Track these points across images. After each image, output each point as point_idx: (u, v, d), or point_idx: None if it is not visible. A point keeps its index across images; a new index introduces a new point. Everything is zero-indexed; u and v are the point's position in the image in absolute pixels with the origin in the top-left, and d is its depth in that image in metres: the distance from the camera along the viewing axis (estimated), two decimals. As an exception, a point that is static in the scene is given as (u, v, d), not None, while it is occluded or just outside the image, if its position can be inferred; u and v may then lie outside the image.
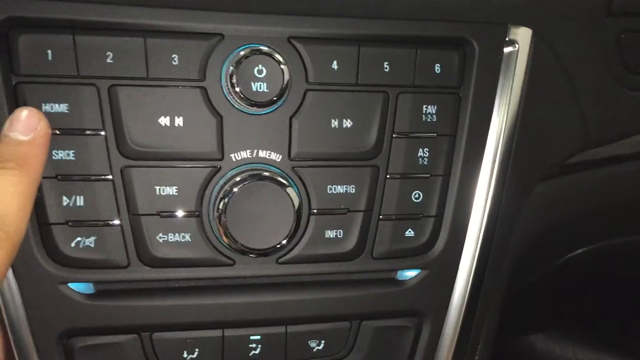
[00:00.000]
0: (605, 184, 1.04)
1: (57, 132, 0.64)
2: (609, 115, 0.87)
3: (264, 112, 0.68)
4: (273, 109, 0.68)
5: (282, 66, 0.66)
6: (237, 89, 0.65)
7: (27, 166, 0.58)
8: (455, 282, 0.79)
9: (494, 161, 0.76)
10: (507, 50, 0.74)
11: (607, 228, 1.19)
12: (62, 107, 0.63)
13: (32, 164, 0.59)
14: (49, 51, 0.62)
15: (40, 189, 0.64)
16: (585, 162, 0.97)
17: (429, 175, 0.74)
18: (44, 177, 0.64)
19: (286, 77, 0.67)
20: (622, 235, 1.17)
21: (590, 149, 0.90)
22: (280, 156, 0.69)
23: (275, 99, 0.66)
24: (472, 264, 0.78)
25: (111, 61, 0.64)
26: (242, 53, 0.66)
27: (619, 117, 0.89)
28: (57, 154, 0.64)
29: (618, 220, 1.12)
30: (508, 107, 0.75)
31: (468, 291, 0.79)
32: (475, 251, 0.77)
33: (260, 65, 0.66)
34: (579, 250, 1.14)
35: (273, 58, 0.66)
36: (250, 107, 0.67)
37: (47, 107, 0.63)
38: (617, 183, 1.05)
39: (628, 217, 1.12)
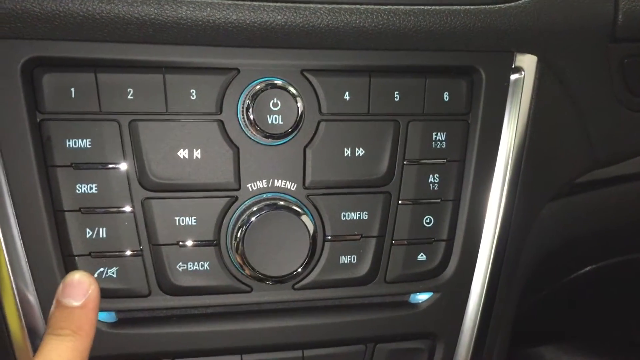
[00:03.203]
0: (614, 203, 1.05)
1: (80, 166, 0.66)
2: (615, 137, 0.89)
3: (279, 143, 0.70)
4: (288, 139, 0.70)
5: (296, 98, 0.69)
6: (253, 122, 0.68)
7: (81, 332, 0.61)
8: (468, 304, 0.80)
9: (503, 184, 0.78)
10: (513, 77, 0.76)
11: (615, 245, 1.20)
12: (85, 143, 0.66)
13: (85, 328, 0.62)
14: (72, 89, 0.65)
15: (64, 221, 0.67)
16: (593, 182, 0.99)
17: (439, 200, 0.76)
18: (67, 211, 0.66)
19: (300, 109, 0.69)
20: (630, 252, 1.18)
21: (596, 169, 0.92)
22: (295, 185, 0.71)
23: (290, 130, 0.69)
24: (484, 286, 0.80)
25: (132, 97, 0.66)
26: (257, 87, 0.68)
27: (624, 139, 0.91)
28: (80, 187, 0.66)
29: (626, 238, 1.13)
30: (515, 132, 0.77)
31: (480, 312, 0.81)
32: (487, 273, 0.79)
33: (275, 99, 0.68)
34: (588, 268, 1.16)
35: (287, 91, 0.68)
36: (266, 139, 0.69)
37: (70, 143, 0.66)
38: (625, 201, 1.06)
39: (636, 234, 1.13)
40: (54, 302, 0.64)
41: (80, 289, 0.63)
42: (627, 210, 1.07)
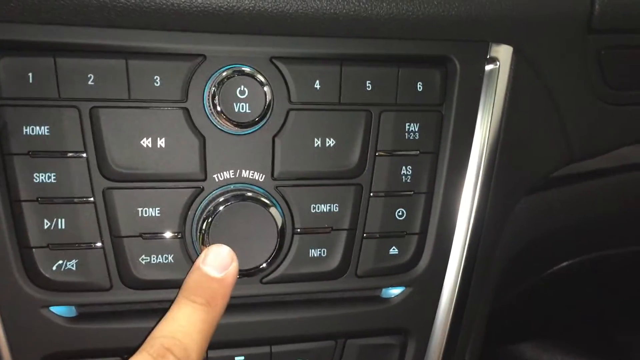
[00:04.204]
0: (590, 197, 1.05)
1: (38, 154, 0.64)
2: (591, 130, 0.88)
3: (246, 132, 0.68)
4: (256, 129, 0.68)
5: (264, 87, 0.67)
6: (220, 110, 0.66)
7: (215, 305, 0.61)
8: (440, 298, 0.79)
9: (477, 177, 0.76)
10: (488, 67, 0.75)
11: (591, 240, 1.20)
12: (43, 130, 0.63)
13: (219, 304, 0.62)
14: (30, 74, 0.62)
15: (20, 212, 0.64)
16: (569, 176, 0.98)
17: (412, 192, 0.74)
18: (24, 201, 0.64)
19: (268, 97, 0.67)
20: (606, 248, 1.18)
21: (573, 163, 0.92)
22: (264, 176, 0.70)
23: (257, 119, 0.67)
24: (457, 280, 0.79)
25: (92, 83, 0.64)
26: (224, 74, 0.66)
27: (600, 133, 0.90)
28: (38, 176, 0.64)
29: (601, 234, 1.13)
30: (490, 123, 0.76)
31: (453, 307, 0.79)
32: (460, 267, 0.78)
33: (242, 86, 0.66)
34: (564, 263, 1.15)
35: (255, 79, 0.66)
36: (233, 128, 0.67)
37: (28, 130, 0.63)
38: (601, 196, 1.06)
39: (612, 230, 1.13)
40: (193, 266, 0.64)
41: (223, 261, 0.63)
42: (603, 206, 1.07)
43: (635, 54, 0.87)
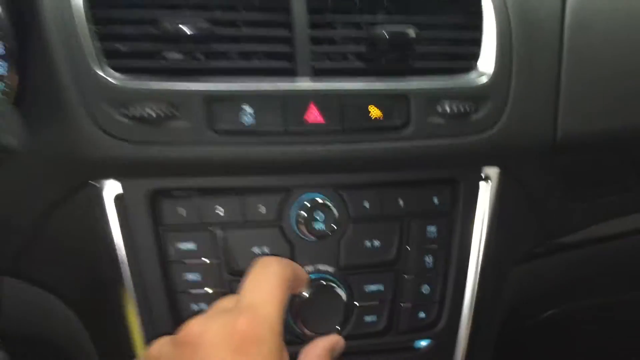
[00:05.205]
0: (573, 263, 1.35)
1: (188, 262, 0.95)
2: (563, 219, 1.18)
3: (321, 240, 0.99)
4: (327, 237, 0.98)
5: (332, 209, 0.97)
6: (303, 227, 0.96)
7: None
8: (457, 346, 1.08)
9: (477, 259, 1.04)
10: (482, 183, 1.02)
11: (578, 292, 1.49)
12: (191, 245, 0.95)
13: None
14: (183, 209, 0.94)
15: (175, 301, 0.95)
16: (552, 248, 1.29)
17: (433, 274, 1.05)
18: (179, 292, 0.95)
19: (336, 216, 0.97)
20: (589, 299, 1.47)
21: (549, 241, 1.23)
22: (333, 268, 1.00)
23: (329, 232, 0.98)
24: (467, 333, 1.08)
25: (221, 213, 0.95)
26: (305, 202, 0.98)
27: (571, 220, 1.20)
28: (186, 275, 0.94)
29: (583, 289, 1.42)
30: (483, 221, 1.05)
31: (466, 352, 1.10)
32: (469, 324, 1.07)
33: (318, 210, 0.96)
34: (550, 312, 1.45)
35: (326, 205, 0.97)
36: (313, 237, 0.96)
37: (180, 245, 0.94)
38: (581, 263, 1.36)
39: (592, 286, 1.42)
40: None
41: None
42: (584, 269, 1.37)
43: (592, 166, 1.14)
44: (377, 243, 0.99)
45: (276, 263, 0.67)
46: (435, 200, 1.01)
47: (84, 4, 0.84)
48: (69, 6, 0.84)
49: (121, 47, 0.85)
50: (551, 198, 1.13)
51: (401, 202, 0.99)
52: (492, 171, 1.03)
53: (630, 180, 1.18)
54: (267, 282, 0.65)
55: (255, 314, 0.60)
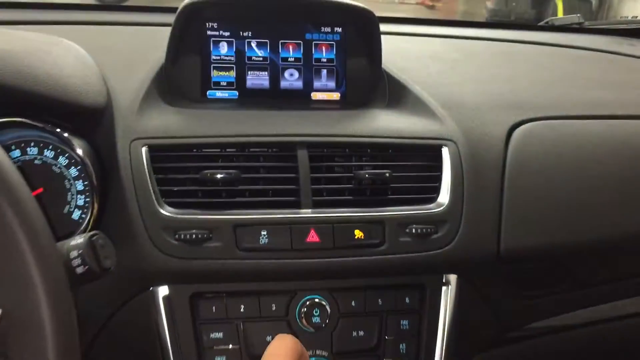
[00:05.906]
0: (539, 351, 1.61)
1: (216, 347, 1.24)
2: (516, 315, 1.44)
3: (318, 331, 1.27)
4: (323, 329, 1.25)
5: (327, 307, 1.25)
6: (304, 320, 1.25)
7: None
8: None
9: (442, 349, 1.30)
10: (444, 287, 1.21)
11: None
12: (219, 335, 1.23)
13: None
14: (213, 307, 1.24)
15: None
16: (511, 339, 1.57)
17: (407, 359, 1.32)
18: None
19: (329, 312, 1.23)
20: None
21: (506, 333, 1.51)
22: (327, 352, 1.24)
23: (323, 325, 1.24)
24: None
25: (243, 310, 1.25)
26: (307, 302, 1.28)
27: (523, 315, 1.44)
28: (216, 358, 1.24)
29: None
30: (446, 317, 1.24)
31: None
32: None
33: (316, 308, 1.24)
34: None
35: (322, 303, 1.26)
36: (311, 329, 1.23)
37: (212, 335, 1.22)
38: (547, 350, 1.62)
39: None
40: None
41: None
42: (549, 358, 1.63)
43: (536, 272, 1.35)
44: (361, 333, 1.18)
45: (290, 338, 0.78)
46: (407, 300, 1.20)
47: (146, 159, 1.18)
48: (137, 159, 1.20)
49: (173, 189, 1.18)
50: (504, 297, 1.35)
51: (380, 302, 1.18)
52: (452, 277, 1.21)
53: (569, 282, 1.46)
54: (284, 348, 0.76)
55: None
